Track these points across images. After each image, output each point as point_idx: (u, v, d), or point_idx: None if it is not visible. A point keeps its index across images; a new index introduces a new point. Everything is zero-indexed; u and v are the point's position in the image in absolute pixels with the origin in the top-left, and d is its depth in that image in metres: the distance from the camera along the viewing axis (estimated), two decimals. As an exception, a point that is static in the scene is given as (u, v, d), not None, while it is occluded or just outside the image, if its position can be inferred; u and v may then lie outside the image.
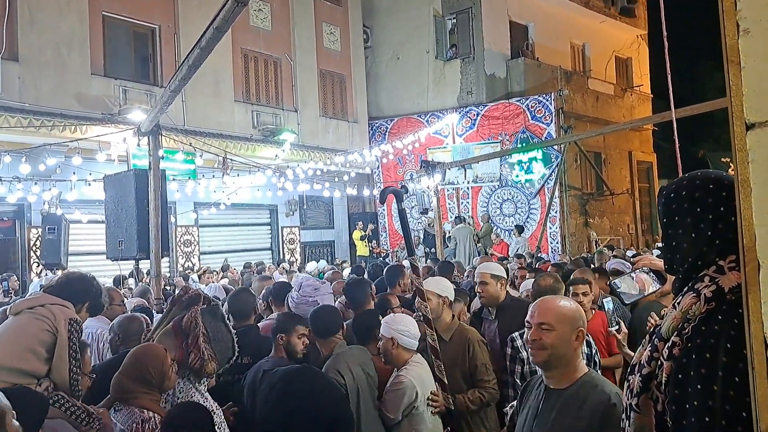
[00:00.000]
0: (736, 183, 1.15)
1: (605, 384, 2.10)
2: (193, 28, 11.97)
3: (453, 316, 3.69)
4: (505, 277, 4.10)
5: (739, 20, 1.12)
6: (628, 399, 1.52)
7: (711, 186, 1.42)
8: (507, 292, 4.05)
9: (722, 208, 1.38)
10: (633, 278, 1.90)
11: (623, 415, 1.56)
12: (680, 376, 1.34)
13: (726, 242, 1.36)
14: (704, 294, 1.36)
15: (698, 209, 1.42)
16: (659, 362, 1.41)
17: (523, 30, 17.64)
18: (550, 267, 7.25)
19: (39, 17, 10.81)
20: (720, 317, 1.31)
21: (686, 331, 1.36)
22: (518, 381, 3.37)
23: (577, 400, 2.04)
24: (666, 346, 1.40)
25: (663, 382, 1.39)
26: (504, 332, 3.79)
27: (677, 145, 2.79)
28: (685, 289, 1.44)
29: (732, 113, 1.14)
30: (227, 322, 3.19)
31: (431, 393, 3.15)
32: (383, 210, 17.54)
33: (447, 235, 14.22)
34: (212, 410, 2.74)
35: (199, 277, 10.40)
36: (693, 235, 1.42)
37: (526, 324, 2.19)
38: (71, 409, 2.58)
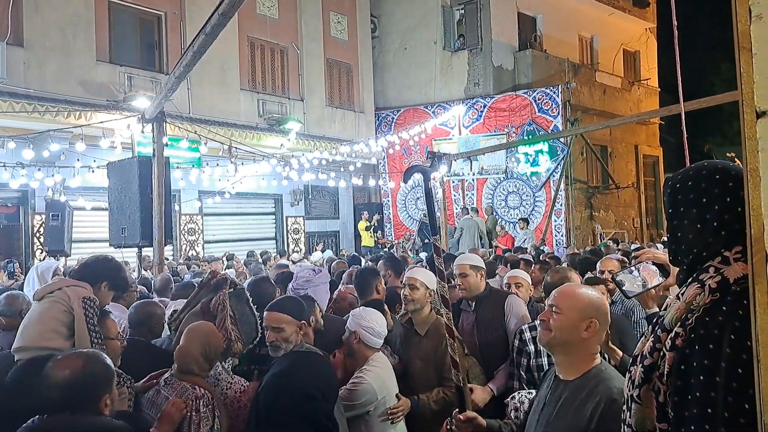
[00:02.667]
0: (744, 172, 1.13)
1: (613, 378, 2.02)
2: (200, 15, 11.91)
3: (432, 309, 3.57)
4: (484, 267, 3.99)
5: (752, 5, 1.09)
6: (629, 390, 1.50)
7: (717, 176, 1.40)
8: (486, 283, 3.93)
9: (728, 199, 1.36)
10: (636, 272, 1.86)
11: (624, 407, 1.54)
12: (683, 367, 1.33)
13: (732, 233, 1.35)
14: (709, 285, 1.34)
15: (704, 200, 1.40)
16: (662, 353, 1.40)
17: (532, 21, 17.52)
18: (546, 260, 7.24)
19: (45, 2, 10.78)
20: (724, 308, 1.30)
21: (690, 322, 1.34)
22: (523, 374, 3.33)
23: (581, 393, 2.00)
24: (669, 337, 1.39)
25: (665, 372, 1.38)
26: (481, 324, 3.73)
27: (685, 137, 2.75)
28: (690, 280, 1.42)
29: (742, 101, 1.11)
30: (251, 305, 3.38)
31: (389, 408, 3.07)
32: (388, 201, 17.53)
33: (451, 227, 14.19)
34: (242, 386, 2.95)
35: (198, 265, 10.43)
36: (698, 225, 1.40)
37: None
38: None
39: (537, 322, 2.16)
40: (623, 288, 1.85)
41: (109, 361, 2.19)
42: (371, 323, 3.19)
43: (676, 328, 1.37)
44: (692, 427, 1.28)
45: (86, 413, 1.97)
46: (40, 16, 10.73)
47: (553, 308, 2.06)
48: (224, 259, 11.41)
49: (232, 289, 3.33)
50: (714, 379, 1.26)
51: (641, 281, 1.85)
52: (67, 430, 1.87)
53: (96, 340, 2.98)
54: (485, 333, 3.71)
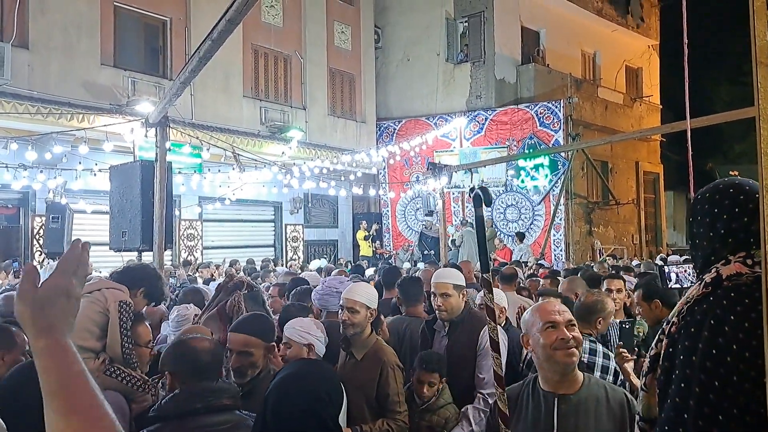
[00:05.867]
0: (760, 186, 1.12)
1: (606, 383, 2.24)
2: (204, 21, 11.96)
3: (372, 331, 3.25)
4: (464, 285, 3.63)
5: (771, 20, 1.09)
6: (640, 380, 1.62)
7: (731, 190, 1.51)
8: (465, 302, 3.58)
9: (737, 209, 1.46)
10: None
11: (635, 399, 1.68)
12: (671, 350, 1.46)
13: (738, 241, 1.45)
14: (705, 280, 1.46)
15: (716, 209, 1.51)
16: (662, 341, 1.53)
17: (535, 36, 17.61)
18: (546, 274, 7.23)
19: (50, 4, 10.82)
20: (711, 299, 1.41)
21: (683, 311, 1.47)
22: None
23: (592, 401, 2.13)
24: (668, 327, 1.52)
25: (660, 357, 1.51)
26: (453, 349, 3.38)
27: (690, 154, 2.77)
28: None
29: (759, 116, 1.11)
30: (267, 307, 3.49)
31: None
32: (388, 211, 17.52)
33: (450, 238, 14.15)
34: None
35: (195, 270, 10.44)
36: (710, 233, 1.51)
37: (547, 328, 2.20)
38: (126, 378, 2.92)
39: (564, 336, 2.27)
40: None
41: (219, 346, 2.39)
42: (320, 332, 3.04)
43: (672, 318, 1.50)
44: (670, 401, 1.42)
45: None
46: (46, 19, 10.77)
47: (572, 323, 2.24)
48: (223, 264, 11.40)
49: (247, 291, 3.38)
50: (691, 359, 1.38)
51: None
52: (213, 390, 2.14)
53: (126, 345, 3.02)
54: (456, 361, 3.35)
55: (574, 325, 2.21)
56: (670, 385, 1.43)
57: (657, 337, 1.55)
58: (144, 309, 3.49)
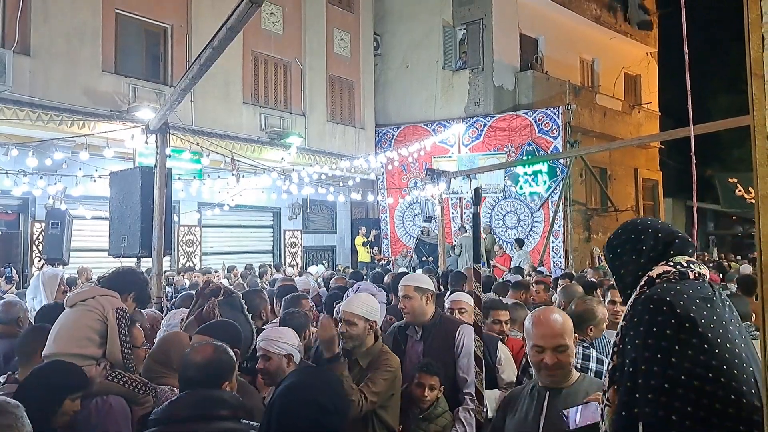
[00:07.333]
0: (756, 198, 1.14)
1: (600, 381, 2.34)
2: (205, 28, 12.01)
3: (376, 338, 3.25)
4: (433, 290, 3.61)
5: (765, 33, 1.11)
6: (603, 396, 1.78)
7: (639, 225, 1.91)
8: (436, 308, 3.58)
9: (660, 234, 1.83)
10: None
11: (601, 414, 1.81)
12: (620, 345, 1.71)
13: (659, 256, 1.80)
14: (640, 285, 1.77)
15: (642, 238, 1.85)
16: (615, 352, 1.75)
17: (533, 43, 17.67)
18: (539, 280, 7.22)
19: (53, 11, 10.86)
20: (643, 295, 1.70)
21: (627, 313, 1.76)
22: None
23: (582, 394, 2.30)
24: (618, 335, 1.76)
25: (613, 353, 1.76)
26: (429, 354, 3.39)
27: (694, 162, 2.81)
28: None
29: (754, 126, 1.13)
30: (246, 312, 3.42)
31: None
32: (386, 216, 17.53)
33: (450, 245, 14.16)
34: None
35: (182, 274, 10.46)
36: (639, 258, 1.84)
37: (535, 349, 2.35)
38: (128, 382, 2.98)
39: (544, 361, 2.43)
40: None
41: (232, 353, 2.43)
42: (296, 340, 3.01)
43: (621, 323, 1.77)
44: (623, 386, 1.65)
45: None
46: (48, 25, 10.80)
47: (560, 348, 2.37)
48: (221, 270, 11.40)
49: (223, 297, 3.37)
50: (634, 341, 1.64)
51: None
52: (207, 400, 2.17)
53: (126, 349, 3.10)
54: None
55: (563, 349, 2.33)
56: (622, 372, 1.66)
57: (611, 350, 1.77)
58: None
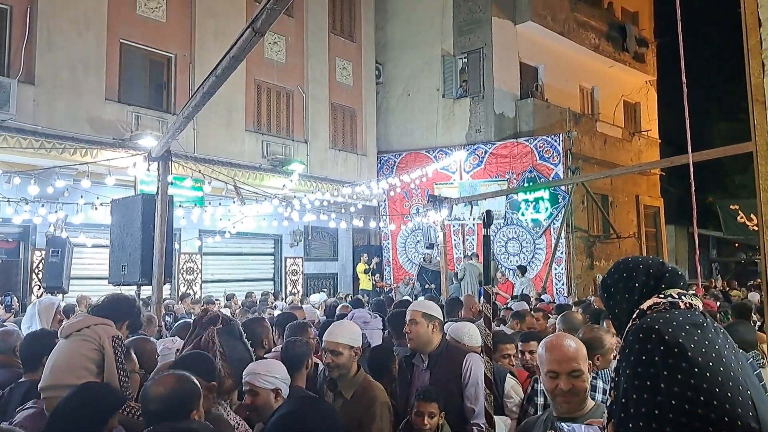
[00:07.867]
0: (759, 223, 1.13)
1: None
2: (209, 58, 12.15)
3: (359, 367, 3.22)
4: (441, 319, 3.56)
5: (765, 59, 1.10)
6: None
7: (630, 262, 1.92)
8: (443, 337, 3.53)
9: (651, 270, 1.84)
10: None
11: None
12: (616, 379, 1.71)
13: (651, 291, 1.81)
14: (632, 317, 1.78)
15: (634, 275, 1.86)
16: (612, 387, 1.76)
17: (533, 71, 17.84)
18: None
19: (58, 41, 11.00)
20: (634, 327, 1.70)
21: (622, 344, 1.76)
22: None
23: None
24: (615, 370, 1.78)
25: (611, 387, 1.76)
26: (436, 383, 3.31)
27: (693, 189, 2.82)
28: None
29: (756, 152, 1.12)
30: (245, 341, 3.35)
31: None
32: (388, 243, 17.49)
33: (453, 272, 14.10)
34: (236, 424, 2.85)
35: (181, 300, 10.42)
36: (633, 295, 1.84)
37: (549, 375, 2.29)
38: (126, 410, 2.91)
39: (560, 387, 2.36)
40: None
41: (196, 381, 2.38)
42: (284, 373, 2.94)
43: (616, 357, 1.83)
44: (617, 413, 1.65)
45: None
46: (53, 55, 10.93)
47: (574, 373, 2.33)
48: (221, 298, 11.34)
49: (222, 326, 3.32)
50: (626, 372, 1.64)
51: None
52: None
53: (123, 377, 3.11)
54: (441, 394, 3.30)
55: (578, 374, 2.27)
56: (617, 404, 1.66)
57: (609, 385, 1.80)
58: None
